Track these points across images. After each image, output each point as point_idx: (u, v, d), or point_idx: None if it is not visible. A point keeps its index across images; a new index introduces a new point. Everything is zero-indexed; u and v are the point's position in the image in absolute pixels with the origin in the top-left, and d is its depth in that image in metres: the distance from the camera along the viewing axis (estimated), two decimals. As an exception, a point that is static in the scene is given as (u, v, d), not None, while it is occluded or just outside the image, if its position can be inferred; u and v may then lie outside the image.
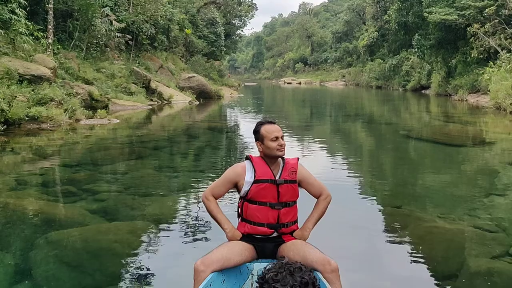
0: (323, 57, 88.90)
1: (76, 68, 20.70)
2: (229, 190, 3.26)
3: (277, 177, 3.10)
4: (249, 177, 3.09)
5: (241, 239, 3.11)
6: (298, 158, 3.24)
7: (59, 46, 20.44)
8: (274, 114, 21.09)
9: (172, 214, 5.76)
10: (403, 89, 46.07)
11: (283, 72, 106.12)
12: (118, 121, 15.73)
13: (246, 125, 16.31)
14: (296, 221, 3.21)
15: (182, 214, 5.74)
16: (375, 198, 6.61)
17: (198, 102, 27.28)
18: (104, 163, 9.08)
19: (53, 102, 15.33)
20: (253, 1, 55.29)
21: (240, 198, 3.19)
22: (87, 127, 14.38)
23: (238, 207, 3.23)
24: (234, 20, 53.75)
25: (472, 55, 31.45)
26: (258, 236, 3.13)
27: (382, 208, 6.09)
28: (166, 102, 25.51)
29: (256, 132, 3.17)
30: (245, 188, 3.10)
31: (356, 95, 42.52)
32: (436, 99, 32.10)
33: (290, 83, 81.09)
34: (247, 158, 3.20)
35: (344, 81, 68.82)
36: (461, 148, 11.07)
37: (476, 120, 17.98)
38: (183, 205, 6.21)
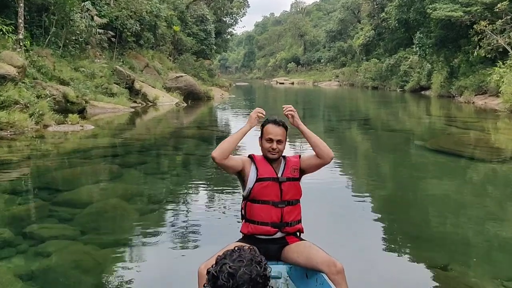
0: (316, 56, 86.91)
1: (51, 66, 18.69)
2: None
3: (279, 175, 3.09)
4: (252, 175, 3.07)
5: (244, 241, 3.02)
6: (299, 156, 3.22)
7: (29, 42, 18.33)
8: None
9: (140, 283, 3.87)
10: (401, 90, 44.30)
11: (275, 72, 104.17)
12: (92, 127, 13.73)
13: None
14: (300, 221, 3.15)
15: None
16: (410, 251, 4.73)
17: (186, 104, 25.25)
18: (62, 187, 7.12)
19: (18, 106, 13.36)
20: (245, -2, 53.33)
21: (243, 199, 3.17)
22: (55, 135, 12.41)
23: (242, 208, 3.19)
24: (225, 17, 51.91)
25: (475, 54, 29.90)
26: (262, 237, 3.06)
27: (422, 269, 4.24)
28: (151, 104, 23.50)
29: (261, 127, 3.17)
30: (248, 186, 3.07)
31: (353, 96, 40.70)
32: (439, 101, 30.37)
33: (282, 83, 79.14)
34: (250, 156, 3.17)
35: (338, 81, 67.01)
36: (496, 166, 9.17)
37: (494, 126, 16.22)
38: (156, 265, 4.30)
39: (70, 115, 14.10)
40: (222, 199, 6.63)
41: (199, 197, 6.86)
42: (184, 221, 5.60)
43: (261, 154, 3.17)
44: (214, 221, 5.60)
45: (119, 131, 13.93)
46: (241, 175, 3.14)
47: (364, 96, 40.40)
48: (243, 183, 3.15)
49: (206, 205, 6.34)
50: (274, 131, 3.08)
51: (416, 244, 4.99)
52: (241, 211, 3.21)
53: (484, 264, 4.41)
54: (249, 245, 1.96)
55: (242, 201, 3.20)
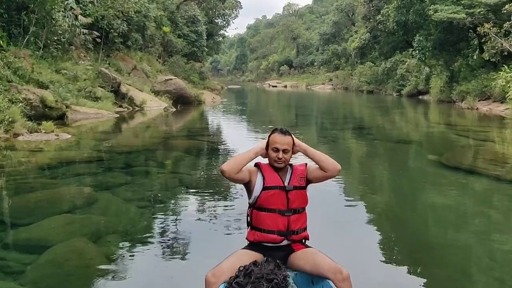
0: (309, 59, 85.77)
1: (29, 68, 17.27)
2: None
3: (286, 184, 3.08)
4: (259, 184, 3.07)
5: (250, 248, 3.05)
6: (306, 164, 3.21)
7: (5, 42, 16.90)
8: (263, 127, 17.96)
9: None
10: (397, 94, 43.16)
11: (267, 74, 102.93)
12: (69, 136, 12.30)
13: (234, 144, 12.96)
14: (305, 228, 3.18)
15: None
16: (416, 264, 4.57)
17: (175, 109, 23.82)
18: (18, 220, 5.70)
19: (-14, 112, 11.96)
20: (237, -1, 52.00)
21: (249, 206, 3.17)
22: (25, 145, 10.98)
23: (248, 215, 3.19)
24: (217, 19, 50.61)
25: (474, 58, 28.93)
26: (268, 245, 3.06)
27: (427, 281, 4.10)
28: (138, 108, 22.06)
29: (268, 137, 3.18)
30: (254, 194, 3.08)
31: (349, 101, 39.46)
32: (440, 106, 29.20)
33: (275, 86, 77.89)
34: (256, 165, 3.17)
35: (332, 84, 65.85)
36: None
37: (509, 136, 15.00)
38: None
39: (44, 122, 12.67)
40: (217, 213, 6.15)
41: (188, 223, 5.58)
42: (172, 258, 4.42)
43: (268, 162, 3.18)
44: (214, 233, 5.34)
45: (98, 141, 12.47)
46: (248, 185, 3.13)
47: (360, 101, 39.22)
48: (249, 192, 3.14)
49: (200, 224, 5.70)
50: (280, 140, 3.07)
51: (424, 258, 4.77)
52: (247, 218, 3.19)
53: None
54: (277, 261, 2.04)
55: (248, 208, 3.19)
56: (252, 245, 3.10)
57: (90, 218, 5.86)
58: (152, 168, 9.03)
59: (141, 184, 7.73)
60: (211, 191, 7.34)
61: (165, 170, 8.94)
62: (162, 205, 6.56)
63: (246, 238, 3.18)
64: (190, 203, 6.69)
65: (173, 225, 5.63)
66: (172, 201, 6.76)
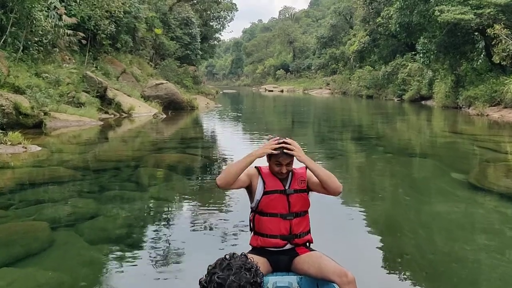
0: (306, 63, 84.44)
1: (5, 71, 15.75)
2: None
3: (286, 187, 3.05)
4: (259, 188, 3.03)
5: (254, 253, 2.97)
6: (306, 167, 3.10)
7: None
8: (260, 136, 16.46)
9: None
10: (398, 99, 41.69)
11: (263, 79, 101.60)
12: (39, 149, 10.71)
13: (228, 158, 11.38)
14: (309, 231, 3.15)
15: None
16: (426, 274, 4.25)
17: (166, 115, 22.22)
18: None
19: None
20: (233, 1, 50.65)
21: (251, 211, 3.13)
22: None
23: (250, 220, 3.15)
24: (212, 22, 49.32)
25: (479, 62, 27.59)
26: (272, 249, 3.03)
27: None
28: (126, 115, 20.49)
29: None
30: (256, 199, 3.04)
31: (350, 107, 37.91)
32: (446, 112, 27.69)
33: (271, 90, 76.34)
34: (256, 168, 3.11)
35: (329, 89, 64.43)
36: None
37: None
38: None
39: (10, 133, 11.07)
40: (213, 227, 4.84)
41: (172, 267, 4.03)
42: None
43: (267, 165, 3.11)
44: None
45: (72, 155, 10.81)
46: (249, 189, 3.10)
47: (361, 106, 37.73)
48: (251, 195, 3.10)
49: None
50: (282, 156, 2.98)
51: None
52: (250, 223, 3.17)
53: None
54: (242, 252, 1.89)
55: (250, 213, 3.15)
56: (256, 250, 3.05)
57: (36, 275, 4.29)
58: (131, 193, 7.40)
59: (113, 216, 6.14)
60: (203, 220, 5.82)
61: (146, 195, 7.32)
62: (137, 250, 5.00)
63: (250, 244, 3.15)
64: (175, 242, 5.15)
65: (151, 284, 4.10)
66: (151, 243, 5.19)
